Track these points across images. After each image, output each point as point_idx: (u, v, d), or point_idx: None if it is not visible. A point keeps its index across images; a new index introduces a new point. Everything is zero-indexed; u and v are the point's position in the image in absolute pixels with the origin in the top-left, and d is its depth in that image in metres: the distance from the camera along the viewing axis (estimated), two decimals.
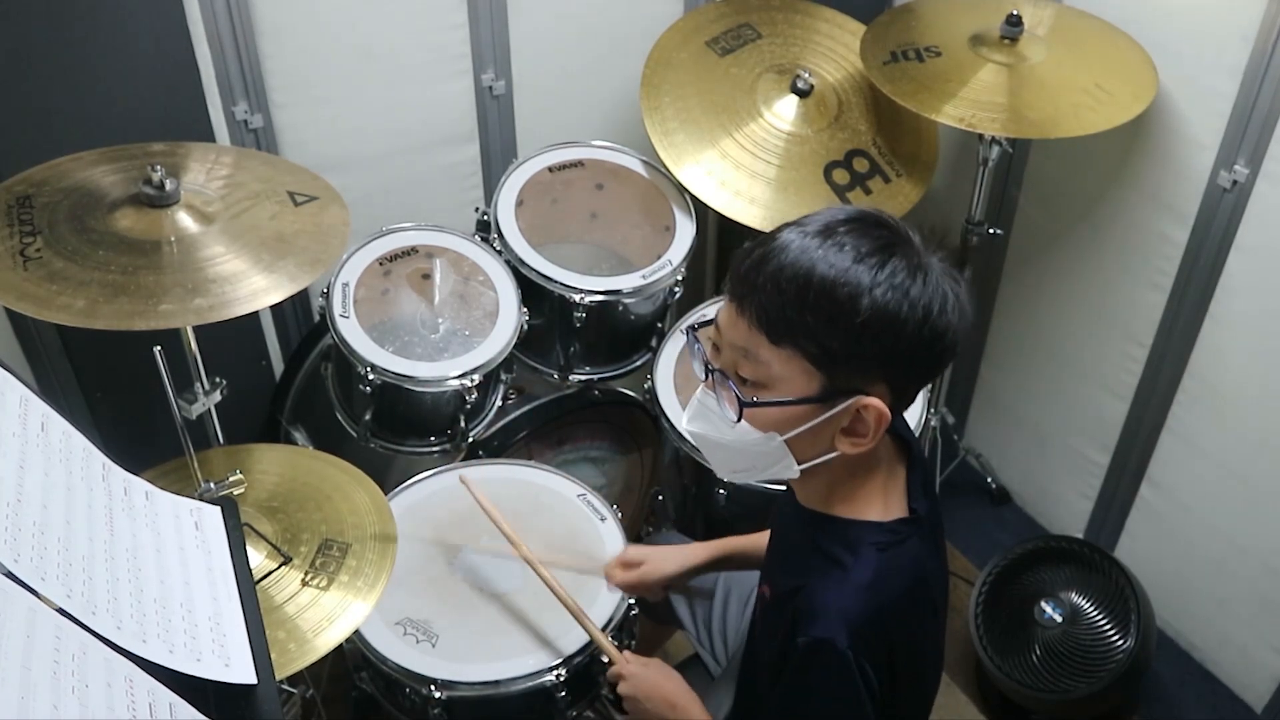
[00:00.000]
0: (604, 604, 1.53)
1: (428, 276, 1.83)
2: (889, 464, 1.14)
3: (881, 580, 1.06)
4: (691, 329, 1.13)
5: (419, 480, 1.72)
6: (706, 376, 1.08)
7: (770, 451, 1.07)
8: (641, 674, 1.36)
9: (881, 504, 1.11)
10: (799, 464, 1.08)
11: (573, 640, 1.48)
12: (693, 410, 1.12)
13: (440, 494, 1.70)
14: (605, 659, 1.43)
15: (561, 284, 1.82)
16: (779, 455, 1.07)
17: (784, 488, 1.69)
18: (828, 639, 1.02)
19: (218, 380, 1.51)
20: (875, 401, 1.01)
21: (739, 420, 1.05)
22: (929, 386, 1.99)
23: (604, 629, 1.50)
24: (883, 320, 0.97)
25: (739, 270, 1.03)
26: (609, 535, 1.64)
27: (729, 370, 1.05)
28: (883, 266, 0.98)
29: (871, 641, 1.03)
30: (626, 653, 1.41)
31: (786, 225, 1.03)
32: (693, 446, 1.78)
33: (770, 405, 1.03)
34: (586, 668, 1.50)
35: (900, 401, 1.06)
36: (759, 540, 1.45)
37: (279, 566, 1.35)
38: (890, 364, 1.01)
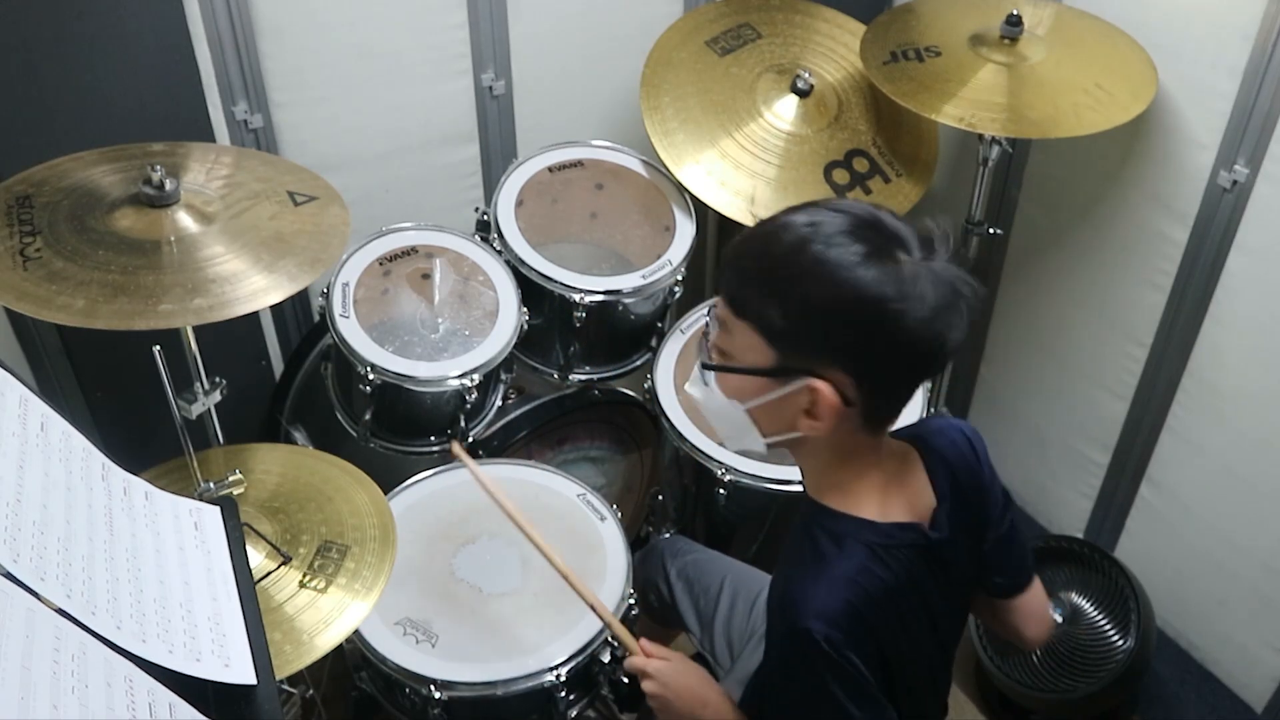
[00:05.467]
0: (606, 598, 1.53)
1: (427, 276, 1.84)
2: (897, 469, 1.15)
3: (863, 575, 1.06)
4: (712, 307, 1.16)
5: (419, 480, 1.72)
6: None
7: (737, 420, 1.11)
8: (668, 672, 1.28)
9: (878, 505, 1.11)
10: (764, 437, 1.11)
11: (573, 640, 1.48)
12: (692, 376, 1.17)
13: (440, 494, 1.70)
14: (617, 655, 1.41)
15: (561, 284, 1.82)
16: (745, 425, 1.11)
17: (782, 489, 1.70)
18: (803, 628, 1.03)
19: (217, 380, 1.50)
20: (823, 386, 1.02)
21: (705, 383, 1.11)
22: (928, 386, 1.98)
23: (604, 628, 1.49)
24: (825, 301, 0.99)
25: (729, 246, 1.10)
26: (609, 535, 1.64)
27: (711, 342, 1.11)
28: (842, 248, 0.98)
29: (851, 632, 1.04)
30: (643, 641, 1.32)
31: (790, 207, 1.06)
32: (692, 446, 1.78)
33: (725, 370, 1.09)
34: (586, 668, 1.50)
35: (876, 400, 1.05)
36: None
37: (279, 566, 1.35)
38: (842, 351, 1.02)
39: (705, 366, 1.11)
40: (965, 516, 1.17)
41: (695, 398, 1.16)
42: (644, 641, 1.32)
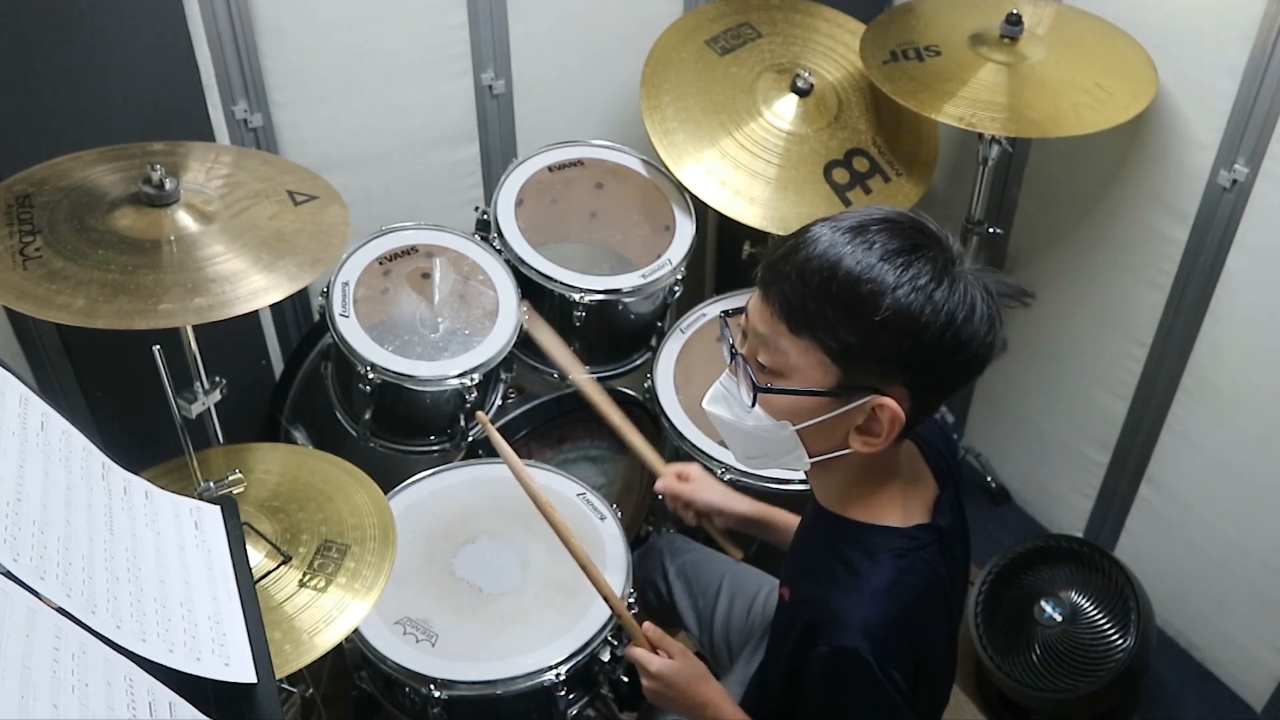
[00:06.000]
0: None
1: (427, 276, 1.84)
2: (911, 473, 1.15)
3: (898, 586, 1.06)
4: (724, 314, 1.14)
5: (419, 480, 1.72)
6: (731, 360, 1.10)
7: (781, 440, 1.07)
8: (668, 672, 1.26)
9: (900, 511, 1.11)
10: (810, 456, 1.09)
11: (573, 640, 1.48)
12: (714, 392, 1.14)
13: (440, 494, 1.70)
14: (616, 654, 1.40)
15: (561, 283, 1.82)
16: (790, 445, 1.08)
17: (782, 489, 1.69)
18: (850, 648, 1.02)
19: (217, 379, 1.51)
20: (890, 402, 1.01)
21: (753, 405, 1.06)
22: None
23: (604, 628, 1.50)
24: (903, 320, 0.97)
25: (769, 259, 1.05)
26: (609, 535, 1.64)
27: (750, 357, 1.07)
28: (908, 267, 0.97)
29: (893, 647, 1.03)
30: (648, 625, 1.30)
31: (820, 220, 1.04)
32: (692, 445, 1.78)
33: (783, 393, 1.04)
34: (586, 667, 1.50)
35: (921, 410, 1.05)
36: (793, 522, 1.41)
37: (279, 565, 1.35)
38: (909, 367, 1.01)
39: (761, 390, 1.05)
40: (956, 497, 1.18)
41: (724, 419, 1.12)
42: (648, 626, 1.30)
